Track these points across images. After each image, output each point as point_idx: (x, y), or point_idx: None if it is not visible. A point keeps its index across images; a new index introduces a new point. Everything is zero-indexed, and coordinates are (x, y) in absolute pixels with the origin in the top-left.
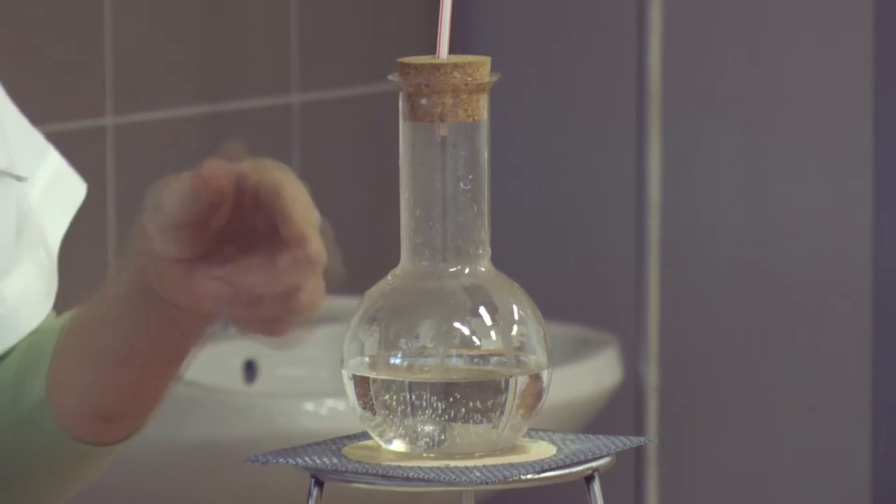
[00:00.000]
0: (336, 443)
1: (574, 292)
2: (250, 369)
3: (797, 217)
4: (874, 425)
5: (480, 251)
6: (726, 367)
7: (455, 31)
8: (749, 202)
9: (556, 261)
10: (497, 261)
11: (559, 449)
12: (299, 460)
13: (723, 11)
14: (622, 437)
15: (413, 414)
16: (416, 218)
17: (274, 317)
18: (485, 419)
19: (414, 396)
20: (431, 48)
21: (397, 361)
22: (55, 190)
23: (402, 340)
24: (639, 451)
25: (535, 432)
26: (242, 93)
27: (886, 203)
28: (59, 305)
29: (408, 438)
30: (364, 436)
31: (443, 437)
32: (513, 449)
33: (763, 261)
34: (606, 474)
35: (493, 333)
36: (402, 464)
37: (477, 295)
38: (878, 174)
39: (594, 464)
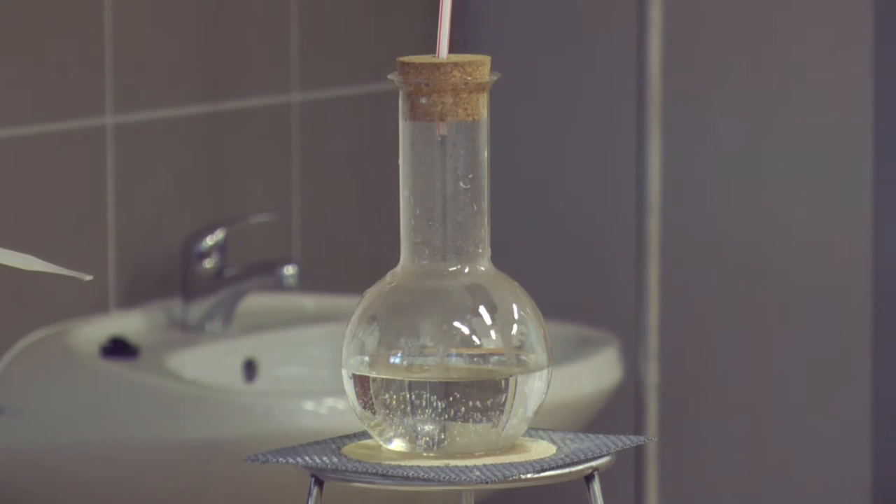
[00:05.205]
0: (336, 442)
1: (574, 292)
2: (250, 368)
3: (797, 217)
4: (874, 425)
5: (480, 250)
6: (726, 366)
7: (455, 30)
8: (749, 202)
9: (556, 260)
10: (497, 260)
11: (559, 448)
12: (299, 459)
13: (723, 11)
14: (622, 437)
15: (413, 413)
16: (416, 217)
17: None
18: (485, 418)
19: (414, 395)
20: (431, 48)
21: (397, 360)
22: None
23: (402, 339)
24: (639, 451)
25: (535, 432)
26: (242, 92)
27: (887, 204)
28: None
29: (408, 438)
30: (364, 435)
31: (443, 437)
32: (513, 448)
33: (763, 260)
34: (606, 474)
35: (492, 332)
36: (402, 463)
37: (477, 294)
38: (878, 174)
39: (594, 463)
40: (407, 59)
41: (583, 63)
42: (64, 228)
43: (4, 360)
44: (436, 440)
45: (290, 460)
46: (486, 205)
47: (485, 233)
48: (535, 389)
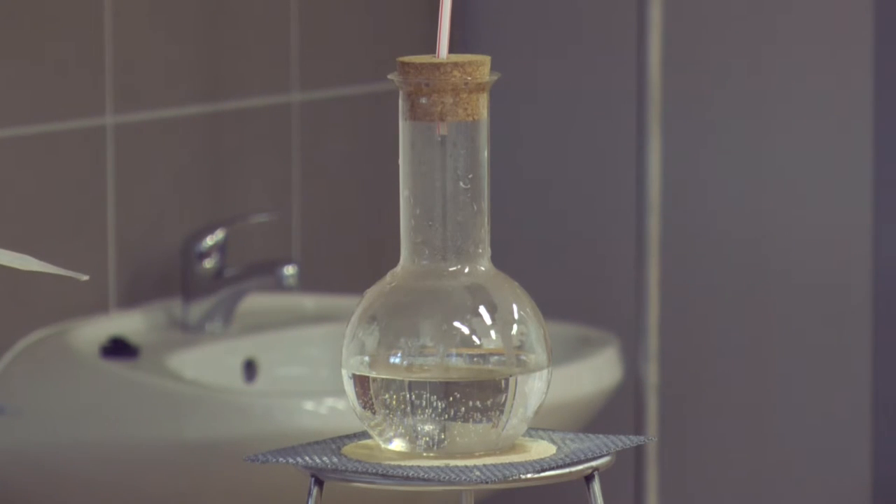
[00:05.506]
0: (336, 442)
1: (574, 292)
2: (250, 368)
3: (797, 217)
4: (874, 425)
5: (480, 250)
6: (726, 366)
7: (455, 30)
8: (749, 202)
9: (556, 260)
10: (497, 260)
11: (559, 448)
12: (299, 459)
13: (723, 11)
14: (622, 437)
15: (413, 413)
16: (416, 217)
17: None
18: (485, 418)
19: (414, 395)
20: (431, 48)
21: (397, 360)
22: None
23: (402, 339)
24: (639, 451)
25: (535, 432)
26: (242, 92)
27: (887, 204)
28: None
29: (408, 438)
30: (364, 435)
31: (443, 437)
32: (513, 448)
33: (763, 260)
34: (606, 474)
35: (492, 332)
36: (402, 463)
37: (477, 294)
38: (878, 174)
39: (594, 463)
40: (407, 59)
41: (583, 63)
42: (64, 228)
43: (4, 360)
44: (436, 440)
45: (290, 460)
46: (486, 205)
47: (485, 233)
48: (535, 389)
